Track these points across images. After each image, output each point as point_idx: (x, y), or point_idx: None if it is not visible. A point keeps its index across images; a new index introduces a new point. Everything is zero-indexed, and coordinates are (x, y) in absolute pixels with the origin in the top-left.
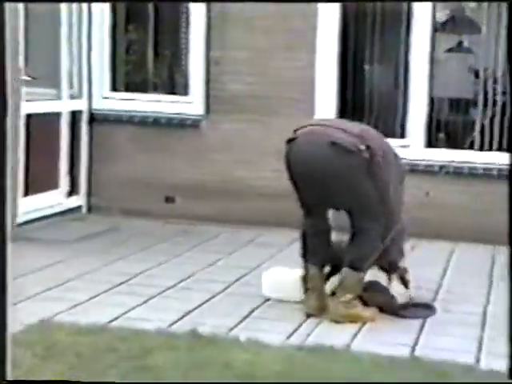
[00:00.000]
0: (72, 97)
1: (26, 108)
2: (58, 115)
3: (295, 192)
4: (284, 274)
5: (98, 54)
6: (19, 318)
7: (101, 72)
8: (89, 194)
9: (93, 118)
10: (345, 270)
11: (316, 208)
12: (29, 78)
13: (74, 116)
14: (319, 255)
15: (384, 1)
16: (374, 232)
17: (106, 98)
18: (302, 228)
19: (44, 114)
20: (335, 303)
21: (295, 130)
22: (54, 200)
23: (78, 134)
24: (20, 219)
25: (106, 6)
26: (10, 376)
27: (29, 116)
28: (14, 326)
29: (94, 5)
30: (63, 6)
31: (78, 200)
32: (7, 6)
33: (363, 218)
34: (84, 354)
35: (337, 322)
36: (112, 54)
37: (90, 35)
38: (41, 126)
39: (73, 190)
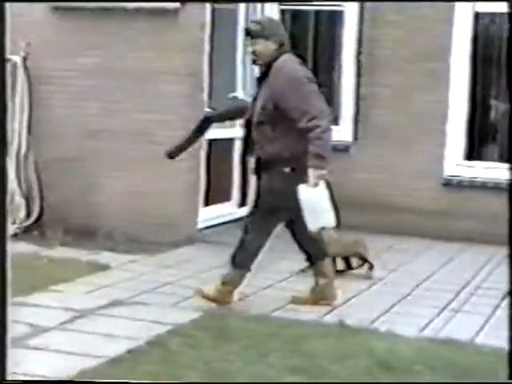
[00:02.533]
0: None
1: (208, 134)
2: (231, 140)
3: None
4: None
5: None
6: (200, 305)
7: None
8: None
9: None
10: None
11: None
12: (211, 110)
13: None
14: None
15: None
16: None
17: None
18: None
19: (222, 140)
20: None
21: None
22: (228, 210)
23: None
24: (201, 225)
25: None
26: (9, 376)
27: (210, 141)
28: (192, 313)
29: None
30: (240, 49)
31: (247, 210)
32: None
33: None
34: (251, 338)
35: None
36: None
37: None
38: (219, 150)
39: (243, 202)
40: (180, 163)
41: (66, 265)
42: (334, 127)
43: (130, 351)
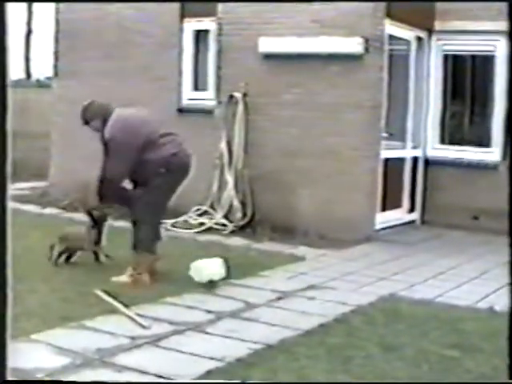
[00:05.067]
0: (413, 147)
1: (384, 154)
2: (402, 159)
3: (169, 193)
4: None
5: (431, 119)
6: (374, 291)
7: (433, 131)
8: (422, 212)
9: (427, 162)
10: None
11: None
12: (387, 135)
13: (415, 160)
14: None
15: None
16: None
17: (435, 148)
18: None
19: (395, 159)
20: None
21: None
22: (399, 215)
23: (416, 172)
24: (377, 227)
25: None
26: (9, 376)
27: (386, 159)
28: (370, 297)
29: (434, 85)
30: (411, 86)
31: (415, 216)
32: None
33: None
34: (416, 318)
35: None
36: (441, 119)
37: (428, 107)
38: (393, 166)
39: (412, 209)
40: (361, 177)
41: (271, 255)
42: (486, 149)
43: (320, 326)
